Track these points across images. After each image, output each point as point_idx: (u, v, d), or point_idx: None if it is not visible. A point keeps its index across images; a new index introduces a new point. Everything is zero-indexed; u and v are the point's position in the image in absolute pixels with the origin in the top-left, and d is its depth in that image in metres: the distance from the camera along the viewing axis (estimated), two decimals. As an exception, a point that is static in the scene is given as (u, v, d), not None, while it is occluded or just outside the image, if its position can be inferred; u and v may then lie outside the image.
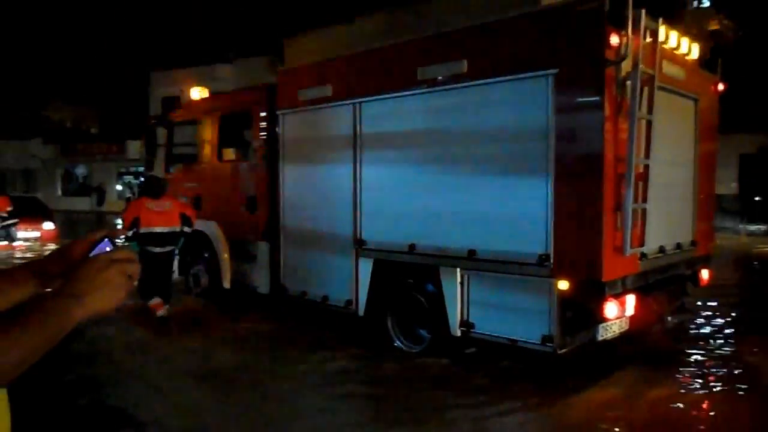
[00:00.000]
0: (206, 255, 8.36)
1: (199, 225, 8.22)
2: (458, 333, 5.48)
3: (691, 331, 7.00)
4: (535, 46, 4.92)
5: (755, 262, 13.89)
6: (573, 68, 4.69)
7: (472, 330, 5.41)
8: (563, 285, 4.77)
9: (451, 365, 5.58)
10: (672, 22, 5.46)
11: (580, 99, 4.72)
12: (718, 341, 6.58)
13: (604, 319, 4.79)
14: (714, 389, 5.11)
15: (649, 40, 4.98)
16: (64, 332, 0.98)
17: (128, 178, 35.05)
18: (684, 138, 6.01)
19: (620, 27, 4.59)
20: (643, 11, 4.75)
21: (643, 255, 5.13)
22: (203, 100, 8.98)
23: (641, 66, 4.73)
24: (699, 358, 5.98)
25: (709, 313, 7.77)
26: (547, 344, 4.83)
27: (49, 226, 17.44)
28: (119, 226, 7.46)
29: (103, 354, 6.15)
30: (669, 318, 6.66)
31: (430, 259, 5.68)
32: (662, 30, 5.13)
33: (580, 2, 4.67)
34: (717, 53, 6.32)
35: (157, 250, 7.20)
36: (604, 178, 4.57)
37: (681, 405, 4.74)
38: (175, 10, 31.58)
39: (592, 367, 5.50)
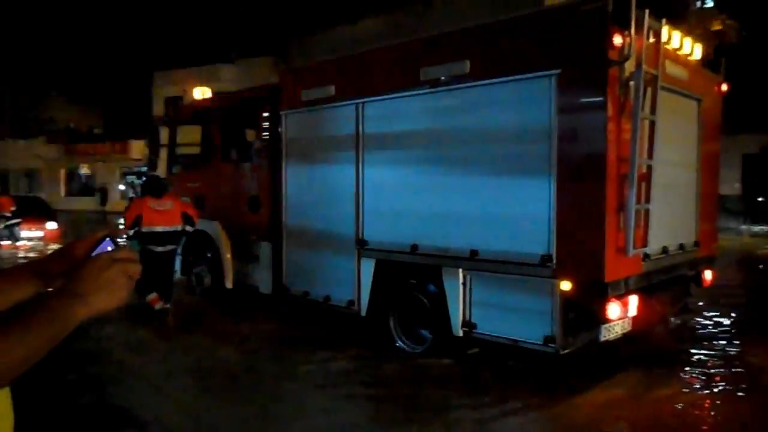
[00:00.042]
0: (209, 255, 8.38)
1: (202, 225, 8.24)
2: (460, 333, 5.47)
3: (694, 332, 6.98)
4: (538, 47, 4.91)
5: (760, 265, 13.84)
6: (576, 68, 4.68)
7: (474, 330, 5.40)
8: (565, 285, 4.76)
9: (453, 365, 5.58)
10: (675, 23, 5.45)
11: (583, 99, 4.71)
12: (722, 342, 6.56)
13: (607, 320, 4.79)
14: (717, 390, 5.10)
15: (652, 40, 4.97)
16: (66, 331, 0.98)
17: (131, 177, 35.08)
18: (687, 138, 5.99)
19: (623, 27, 4.59)
20: (647, 11, 4.74)
21: (646, 256, 5.12)
22: (206, 100, 9.00)
23: (644, 66, 4.72)
24: (702, 359, 5.97)
25: (713, 314, 7.74)
26: (550, 345, 4.82)
27: (52, 225, 17.50)
28: (121, 226, 7.49)
29: (105, 353, 6.17)
30: (672, 319, 6.65)
31: (432, 259, 5.68)
32: (665, 30, 5.12)
33: (584, 2, 4.67)
34: (720, 53, 6.30)
35: (159, 249, 7.23)
36: (606, 178, 4.56)
37: (684, 406, 4.73)
38: (178, 10, 31.63)
39: (594, 368, 5.49)
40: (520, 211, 5.03)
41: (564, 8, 4.92)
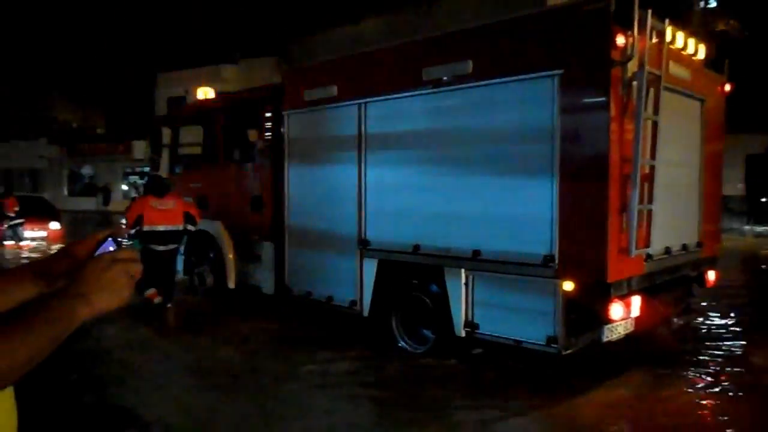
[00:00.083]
0: (211, 255, 8.39)
1: (205, 225, 8.25)
2: (463, 334, 5.47)
3: (697, 333, 6.97)
4: (540, 47, 4.91)
5: (764, 265, 13.81)
6: (579, 69, 4.67)
7: (476, 331, 5.40)
8: (568, 286, 4.75)
9: (456, 366, 5.58)
10: (678, 23, 5.44)
11: (586, 99, 4.71)
12: (725, 343, 6.54)
13: (609, 321, 4.78)
14: (720, 391, 5.09)
15: (655, 40, 4.96)
16: (69, 331, 0.98)
17: (134, 178, 35.16)
18: (690, 139, 5.98)
19: (626, 27, 4.58)
20: (650, 11, 4.73)
21: (649, 256, 5.11)
22: (209, 100, 9.01)
23: (647, 67, 4.71)
24: (705, 359, 5.95)
25: (716, 314, 7.73)
26: (552, 345, 4.81)
27: (55, 225, 17.55)
28: (123, 225, 7.52)
29: (107, 353, 6.18)
30: (675, 319, 6.63)
31: (435, 259, 5.67)
32: (669, 30, 5.11)
33: (586, 2, 4.66)
34: (724, 54, 6.28)
35: (161, 248, 7.25)
36: (609, 179, 4.55)
37: (687, 407, 4.72)
38: (181, 11, 31.68)
39: (597, 368, 5.48)
40: (522, 212, 5.02)
41: (567, 8, 4.92)
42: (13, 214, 15.73)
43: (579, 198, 4.71)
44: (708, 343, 6.52)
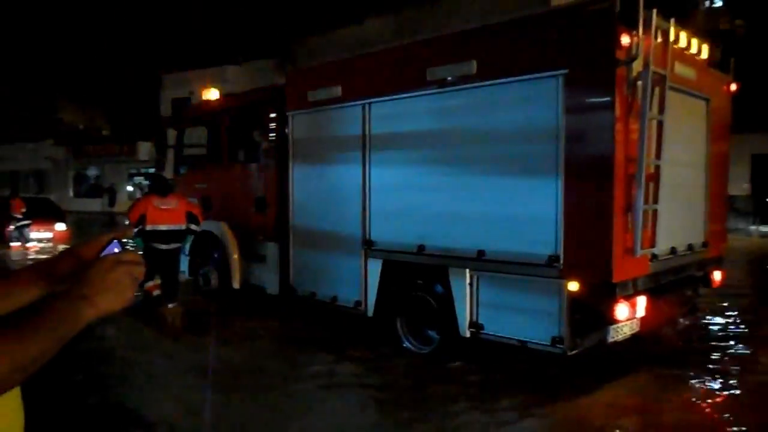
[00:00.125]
0: (216, 255, 8.41)
1: (209, 225, 8.28)
2: (467, 334, 5.46)
3: (703, 333, 6.94)
4: (545, 47, 4.90)
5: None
6: (583, 68, 4.66)
7: (481, 331, 5.39)
8: (573, 286, 4.74)
9: (461, 366, 5.57)
10: (684, 22, 5.42)
11: (591, 99, 4.69)
12: (730, 343, 6.51)
13: (615, 321, 4.76)
14: (726, 391, 5.07)
15: (660, 40, 4.95)
16: (74, 332, 0.99)
17: (139, 179, 35.28)
18: (695, 138, 5.96)
19: (631, 27, 4.57)
20: (655, 11, 4.72)
21: (654, 256, 5.09)
22: (213, 101, 9.03)
23: (652, 66, 4.70)
24: (711, 359, 5.93)
25: (721, 315, 7.70)
26: (557, 345, 4.80)
27: (61, 227, 17.62)
28: (126, 224, 7.56)
29: (112, 353, 6.20)
30: (680, 320, 6.61)
31: (439, 259, 5.67)
32: (674, 30, 5.10)
33: (591, 2, 4.65)
34: (729, 53, 6.26)
35: (163, 247, 7.29)
36: (614, 178, 4.54)
37: (693, 407, 4.70)
38: (185, 12, 31.76)
39: (603, 369, 5.47)
40: (527, 212, 5.01)
41: (571, 8, 4.90)
42: (20, 216, 15.82)
43: (584, 198, 4.70)
44: (714, 344, 6.49)
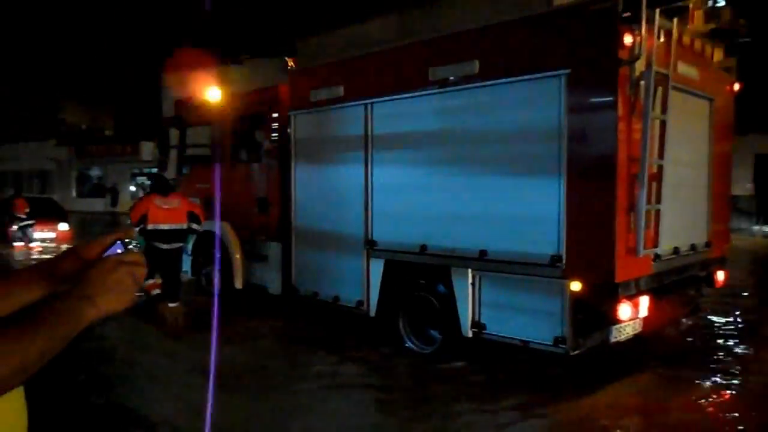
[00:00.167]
0: (218, 255, 8.40)
1: (211, 225, 8.28)
2: (470, 334, 5.46)
3: (706, 333, 6.92)
4: (547, 46, 4.89)
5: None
6: (586, 68, 4.66)
7: (483, 331, 5.39)
8: (575, 286, 4.74)
9: (463, 367, 5.57)
10: (687, 22, 5.40)
11: (593, 99, 4.69)
12: (733, 343, 6.50)
13: (618, 321, 4.76)
14: (729, 391, 5.06)
15: (663, 39, 4.93)
16: (75, 332, 0.99)
17: (142, 179, 35.34)
18: (699, 138, 5.95)
19: (634, 26, 4.56)
20: (657, 11, 4.71)
21: (657, 256, 5.08)
22: (215, 101, 9.02)
23: (655, 66, 4.68)
24: (714, 359, 5.92)
25: (725, 315, 7.68)
26: (560, 346, 4.80)
27: (64, 227, 17.66)
28: (128, 223, 7.59)
29: (115, 353, 6.21)
30: (683, 320, 6.59)
31: (442, 259, 5.67)
32: (676, 29, 5.08)
33: (593, 2, 4.64)
34: (732, 53, 6.24)
35: (164, 246, 7.31)
36: (617, 178, 4.54)
37: (696, 407, 4.69)
38: (188, 11, 31.81)
39: (606, 369, 5.46)
40: (529, 212, 5.01)
41: (573, 8, 4.89)
42: (24, 216, 15.88)
43: (586, 198, 4.69)
44: (717, 344, 6.48)
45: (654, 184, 4.90)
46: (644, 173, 4.66)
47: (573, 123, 4.71)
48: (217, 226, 8.29)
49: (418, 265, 5.96)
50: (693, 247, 5.76)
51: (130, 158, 34.24)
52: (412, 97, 5.86)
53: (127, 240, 1.17)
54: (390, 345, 6.18)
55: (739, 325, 7.29)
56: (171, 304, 7.56)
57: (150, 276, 7.19)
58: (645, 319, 5.06)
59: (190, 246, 8.53)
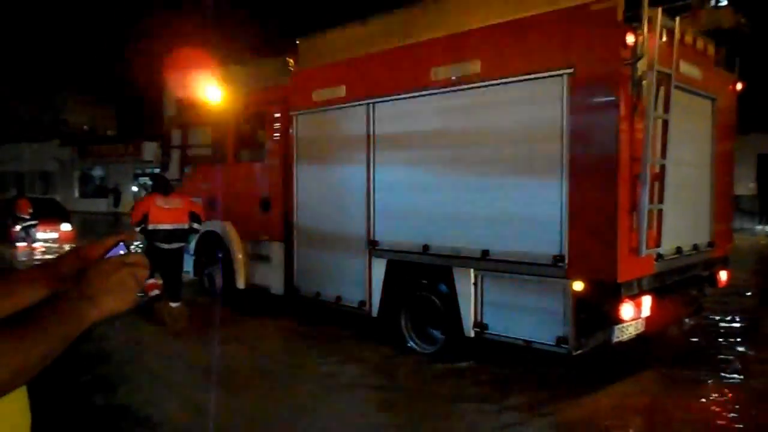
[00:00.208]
0: (220, 255, 8.42)
1: (214, 225, 8.30)
2: (472, 334, 5.46)
3: (709, 333, 6.90)
4: (549, 46, 4.89)
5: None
6: (588, 68, 4.65)
7: (485, 331, 5.39)
8: (578, 286, 4.73)
9: (465, 367, 5.57)
10: (689, 21, 5.39)
11: (596, 99, 4.68)
12: (736, 343, 6.49)
13: (620, 321, 4.75)
14: (732, 391, 5.04)
15: (665, 39, 4.92)
16: (78, 332, 0.99)
17: (144, 179, 35.37)
18: (701, 138, 5.94)
19: (636, 26, 4.55)
20: (660, 10, 4.70)
21: (660, 256, 5.07)
22: (218, 101, 9.03)
23: (657, 65, 4.68)
24: (716, 360, 5.91)
25: (727, 315, 7.66)
26: (562, 345, 4.79)
27: (66, 227, 17.69)
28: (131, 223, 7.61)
29: (118, 353, 6.22)
30: (686, 320, 6.58)
31: (444, 259, 5.67)
32: (679, 29, 5.07)
33: (596, 1, 4.64)
34: (735, 52, 6.23)
35: (165, 246, 7.32)
36: (619, 178, 4.53)
37: (699, 407, 4.68)
38: (189, 12, 31.87)
39: (609, 369, 5.45)
40: (531, 211, 5.00)
41: (576, 7, 4.89)
42: (27, 216, 15.92)
43: (589, 198, 4.68)
44: (719, 344, 6.47)
45: (656, 184, 4.89)
46: (646, 173, 4.65)
47: (575, 123, 4.70)
48: (219, 226, 8.31)
49: (421, 265, 5.96)
50: (695, 247, 5.75)
51: (132, 158, 34.26)
52: (414, 97, 5.86)
53: (129, 242, 1.18)
54: (392, 345, 6.18)
55: (742, 325, 7.27)
56: (173, 304, 7.57)
57: (150, 276, 7.21)
58: (647, 319, 5.05)
59: (192, 246, 8.54)
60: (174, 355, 6.13)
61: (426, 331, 6.08)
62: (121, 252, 1.14)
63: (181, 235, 7.54)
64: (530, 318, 5.05)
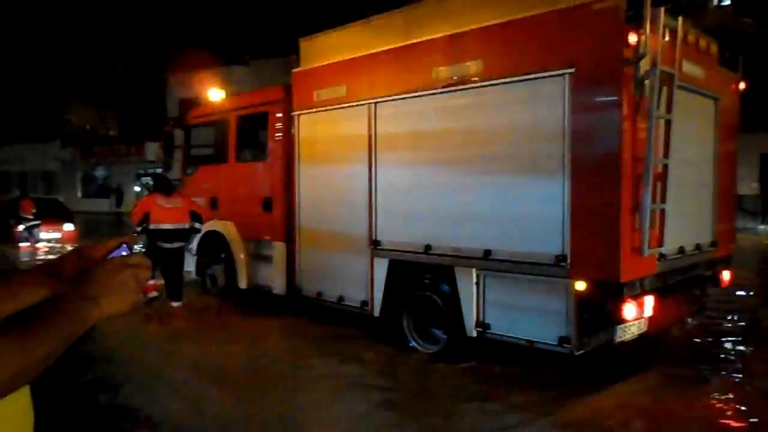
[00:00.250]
0: (223, 255, 8.43)
1: (216, 225, 8.31)
2: (474, 333, 5.45)
3: (711, 333, 6.89)
4: (551, 46, 4.88)
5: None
6: (590, 67, 4.64)
7: (488, 330, 5.38)
8: (580, 286, 4.73)
9: (468, 367, 5.56)
10: (692, 20, 5.38)
11: (598, 98, 4.67)
12: (739, 343, 6.47)
13: (622, 321, 4.74)
14: (734, 391, 5.03)
15: (668, 38, 4.91)
16: (79, 332, 1.00)
17: (146, 179, 35.42)
18: (704, 137, 5.92)
19: (638, 25, 4.54)
20: (662, 9, 4.69)
21: (662, 256, 5.06)
22: (220, 101, 9.06)
23: (660, 65, 4.67)
24: (719, 360, 5.90)
25: (730, 314, 7.64)
26: (564, 345, 4.79)
27: (69, 227, 17.73)
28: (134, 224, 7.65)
29: (120, 353, 6.22)
30: (689, 320, 6.57)
31: (446, 259, 5.66)
32: (682, 28, 5.06)
33: (598, 0, 4.63)
34: (738, 51, 6.22)
35: (166, 245, 7.37)
36: (621, 178, 4.52)
37: (702, 407, 4.67)
38: (192, 12, 31.89)
39: (611, 369, 5.44)
40: (533, 211, 5.00)
41: (578, 7, 4.88)
42: (31, 216, 15.99)
43: (591, 197, 4.68)
44: (722, 344, 6.45)
45: (659, 184, 4.88)
46: (649, 172, 4.64)
47: (577, 122, 4.70)
48: (221, 226, 8.32)
49: (423, 265, 5.96)
50: (698, 247, 5.74)
51: (134, 159, 34.32)
52: (415, 96, 5.86)
53: (132, 243, 1.18)
54: (394, 345, 6.18)
55: (745, 325, 7.26)
56: (174, 304, 7.59)
57: (151, 275, 7.22)
58: (650, 318, 5.04)
59: (194, 245, 8.56)
60: (176, 355, 6.14)
61: (428, 331, 6.08)
62: (124, 253, 1.15)
63: (183, 234, 7.57)
64: (532, 318, 5.05)
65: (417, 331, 6.14)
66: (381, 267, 6.28)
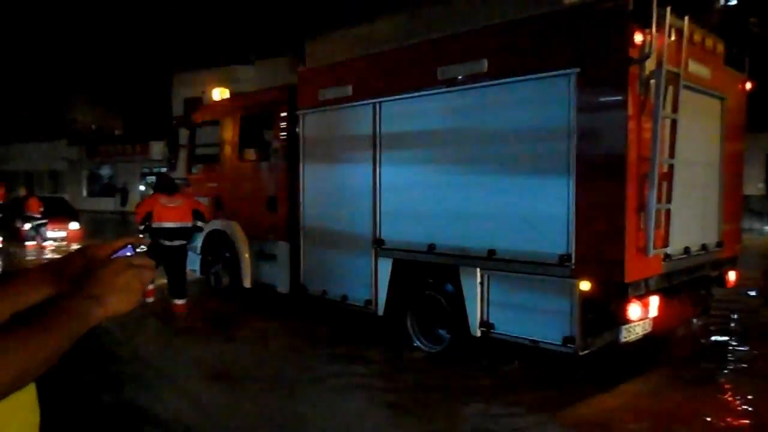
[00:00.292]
0: (227, 254, 8.45)
1: (220, 224, 8.33)
2: (478, 333, 5.45)
3: (717, 334, 6.86)
4: (556, 45, 4.87)
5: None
6: (596, 67, 4.63)
7: (492, 330, 5.38)
8: (585, 286, 4.71)
9: (472, 366, 5.55)
10: (698, 20, 5.36)
11: (603, 98, 4.66)
12: (743, 344, 6.44)
13: (627, 321, 4.73)
14: (739, 392, 5.01)
15: (674, 38, 4.89)
16: (83, 331, 1.00)
17: (151, 178, 35.54)
18: (710, 137, 5.90)
19: (644, 25, 4.52)
20: (668, 9, 4.67)
21: (667, 256, 5.05)
22: (224, 100, 9.08)
23: (666, 65, 4.65)
24: (724, 360, 5.87)
25: (736, 315, 7.61)
26: (569, 345, 4.77)
27: (75, 226, 17.80)
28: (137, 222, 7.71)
29: (125, 352, 6.25)
30: (694, 320, 6.54)
31: (450, 258, 5.66)
32: (688, 28, 5.04)
33: (604, 0, 4.61)
34: (744, 51, 6.19)
35: (168, 243, 7.42)
36: (626, 178, 4.51)
37: (705, 407, 4.65)
38: (197, 12, 31.96)
39: (616, 369, 5.43)
40: (538, 211, 4.99)
41: (584, 6, 4.86)
42: (38, 215, 16.09)
43: (596, 197, 4.66)
44: (727, 344, 6.43)
45: (664, 184, 4.87)
46: (655, 172, 4.63)
47: (582, 122, 4.68)
48: (225, 225, 8.34)
49: (427, 265, 5.95)
50: (704, 247, 5.71)
51: (139, 158, 34.44)
52: (420, 96, 5.85)
53: (137, 244, 1.19)
54: (398, 344, 6.17)
55: (750, 325, 7.22)
56: (178, 302, 7.61)
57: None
58: (655, 319, 5.02)
59: (198, 244, 8.59)
60: (180, 353, 6.16)
61: (432, 331, 6.08)
62: (128, 254, 1.15)
63: (185, 233, 7.60)
64: (537, 317, 5.03)
65: (421, 331, 6.14)
66: (385, 266, 6.28)
